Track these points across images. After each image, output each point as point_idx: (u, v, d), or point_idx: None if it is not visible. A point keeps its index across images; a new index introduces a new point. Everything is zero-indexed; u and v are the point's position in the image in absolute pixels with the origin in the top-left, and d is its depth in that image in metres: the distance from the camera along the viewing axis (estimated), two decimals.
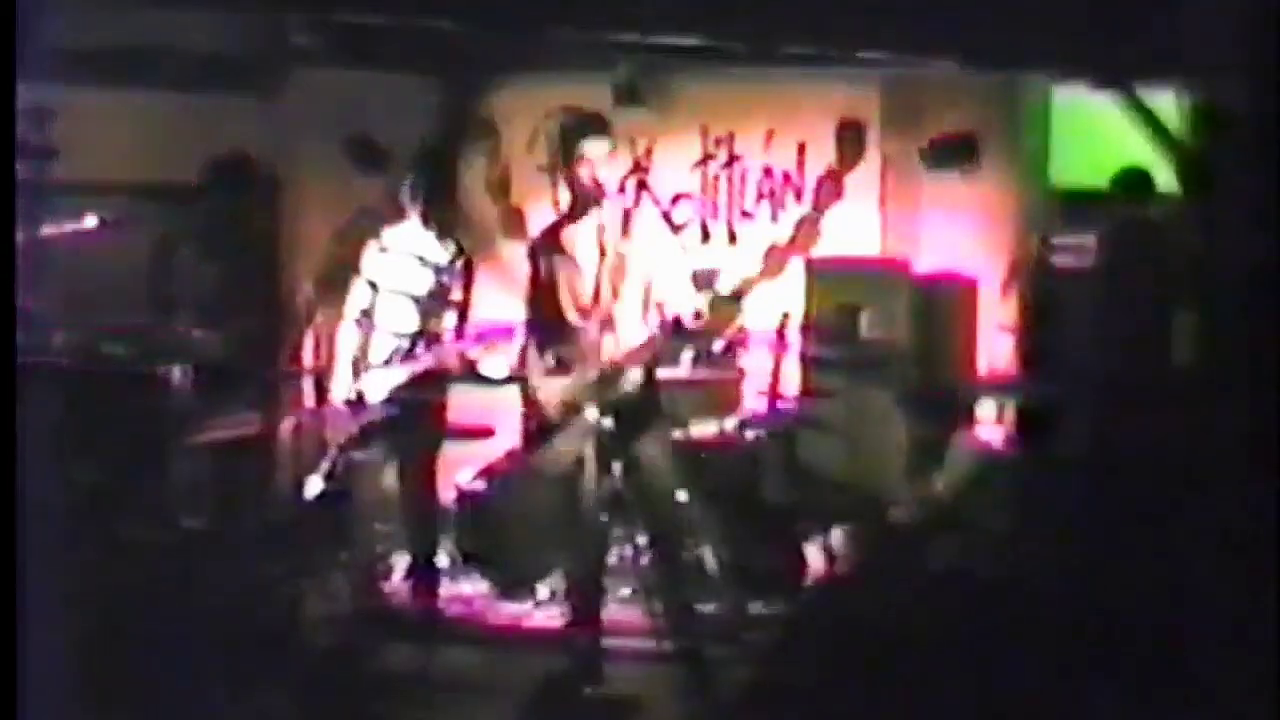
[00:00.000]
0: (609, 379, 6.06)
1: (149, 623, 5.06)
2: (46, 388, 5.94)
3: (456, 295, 6.89)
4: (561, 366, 6.18)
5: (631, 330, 6.15)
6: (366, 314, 6.94)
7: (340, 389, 6.93)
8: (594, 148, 6.18)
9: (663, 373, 6.38)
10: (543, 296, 6.28)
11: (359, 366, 6.91)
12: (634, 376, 6.13)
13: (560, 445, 6.15)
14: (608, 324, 6.15)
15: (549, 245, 6.32)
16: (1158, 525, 5.78)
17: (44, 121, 6.96)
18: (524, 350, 6.32)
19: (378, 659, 6.27)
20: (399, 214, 6.99)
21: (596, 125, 6.26)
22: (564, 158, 6.22)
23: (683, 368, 7.57)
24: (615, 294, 6.16)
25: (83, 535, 5.46)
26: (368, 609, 6.89)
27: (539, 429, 6.27)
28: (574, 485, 6.16)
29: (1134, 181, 7.73)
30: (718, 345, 7.72)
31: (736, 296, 8.48)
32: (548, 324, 6.25)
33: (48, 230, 6.63)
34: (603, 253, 6.17)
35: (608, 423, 5.95)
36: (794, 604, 6.54)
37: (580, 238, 6.23)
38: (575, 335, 6.18)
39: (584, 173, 6.16)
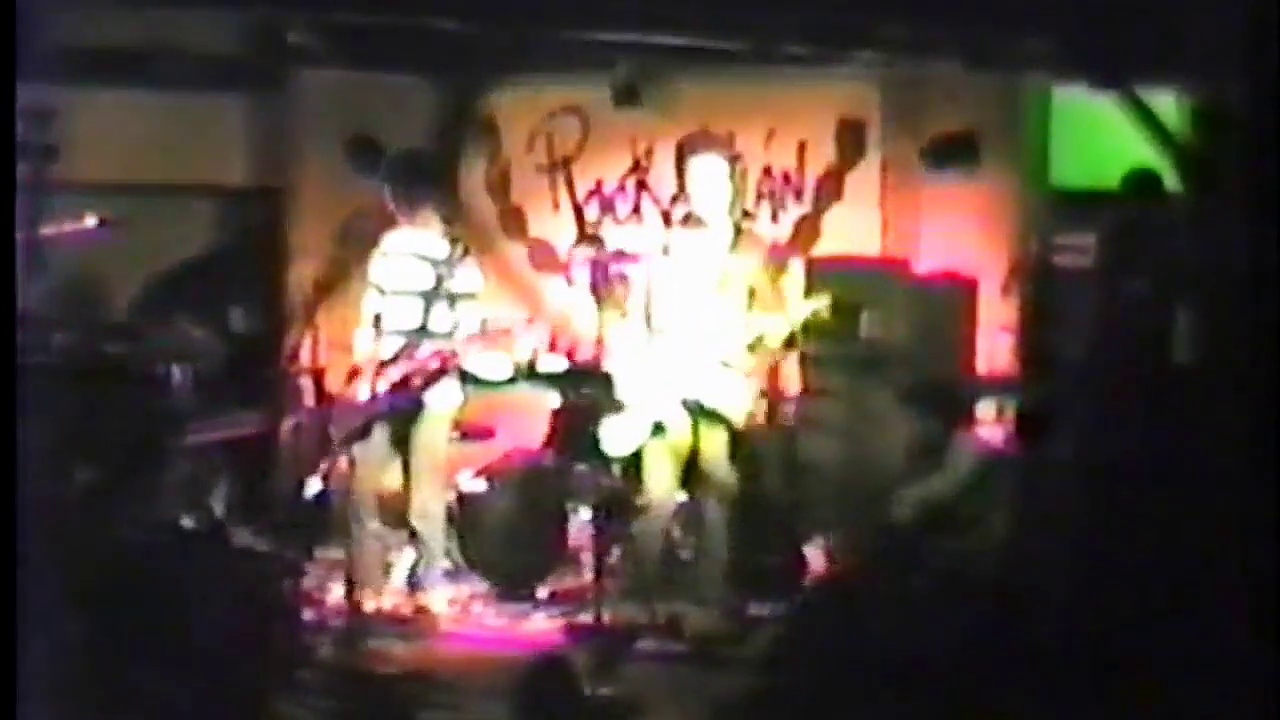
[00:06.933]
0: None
1: (149, 623, 5.05)
2: (46, 388, 5.94)
3: (460, 287, 6.90)
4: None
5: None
6: (378, 319, 6.96)
7: (349, 390, 6.95)
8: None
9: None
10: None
11: (367, 366, 6.94)
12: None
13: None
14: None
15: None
16: (1157, 525, 5.78)
17: (44, 121, 6.95)
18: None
19: (377, 659, 6.27)
20: (395, 217, 7.00)
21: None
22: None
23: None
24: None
25: (83, 535, 5.46)
26: (367, 609, 6.90)
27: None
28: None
29: (1135, 182, 7.73)
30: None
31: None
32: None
33: (48, 230, 6.64)
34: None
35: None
36: (794, 604, 6.54)
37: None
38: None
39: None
